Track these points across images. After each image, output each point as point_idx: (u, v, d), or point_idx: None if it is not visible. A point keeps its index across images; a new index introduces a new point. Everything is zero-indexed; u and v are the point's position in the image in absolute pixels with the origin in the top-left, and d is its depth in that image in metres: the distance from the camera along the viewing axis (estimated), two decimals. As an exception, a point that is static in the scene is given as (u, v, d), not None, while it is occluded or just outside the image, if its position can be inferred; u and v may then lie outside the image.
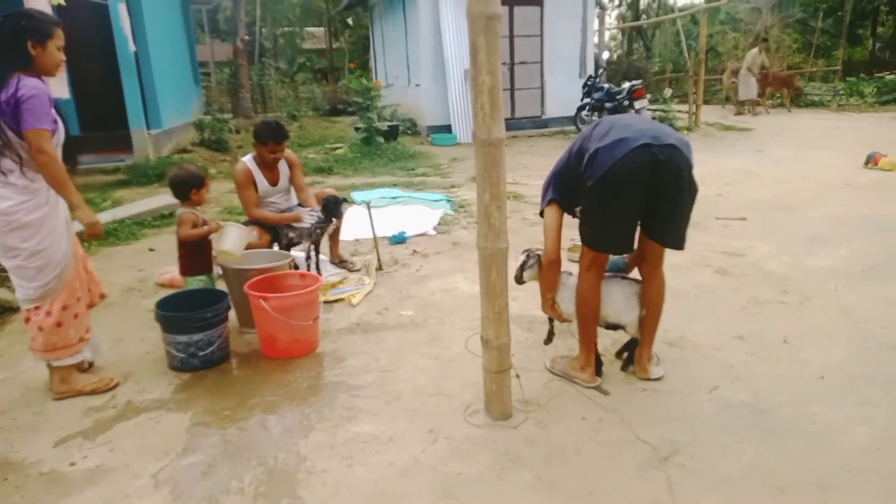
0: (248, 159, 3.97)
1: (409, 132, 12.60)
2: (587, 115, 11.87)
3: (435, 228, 5.48)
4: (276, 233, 4.00)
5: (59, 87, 6.51)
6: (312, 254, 4.02)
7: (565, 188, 2.69)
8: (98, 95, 8.71)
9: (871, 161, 7.64)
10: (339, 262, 4.45)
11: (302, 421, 2.54)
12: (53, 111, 2.56)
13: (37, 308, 2.69)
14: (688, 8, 21.05)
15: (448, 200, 6.48)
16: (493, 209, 2.25)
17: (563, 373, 2.82)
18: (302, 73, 27.57)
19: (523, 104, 12.94)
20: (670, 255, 2.67)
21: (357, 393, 2.76)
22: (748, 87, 14.73)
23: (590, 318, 2.69)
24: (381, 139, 9.93)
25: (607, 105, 11.36)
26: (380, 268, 4.40)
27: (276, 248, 3.97)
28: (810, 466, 2.16)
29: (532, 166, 8.55)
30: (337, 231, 4.40)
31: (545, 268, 2.79)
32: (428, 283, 4.14)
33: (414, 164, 9.24)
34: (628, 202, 2.43)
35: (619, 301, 2.75)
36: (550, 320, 3.02)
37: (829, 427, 2.39)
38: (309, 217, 3.94)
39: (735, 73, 16.13)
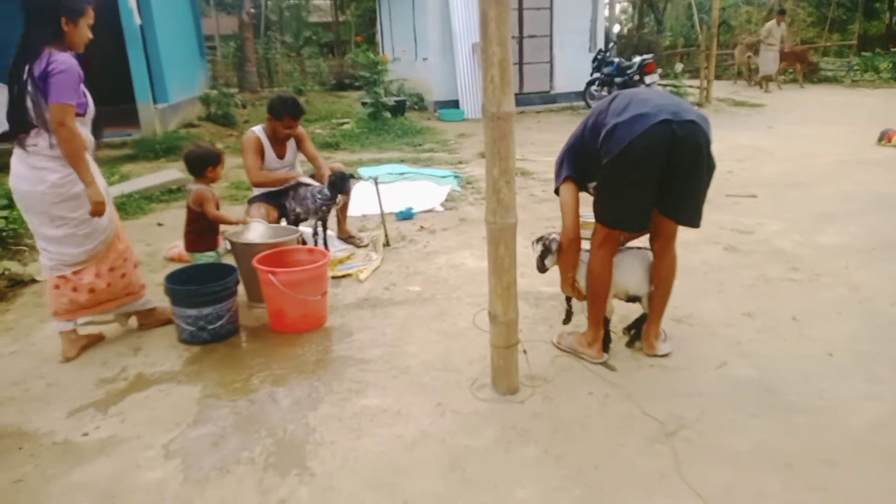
0: (258, 129, 3.99)
1: (416, 107, 12.48)
2: (597, 91, 11.73)
3: (442, 204, 5.46)
4: (284, 208, 4.00)
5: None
6: (320, 229, 4.02)
7: (580, 164, 2.64)
8: (104, 69, 8.63)
9: (885, 137, 7.54)
10: (346, 237, 4.45)
11: (310, 394, 2.56)
12: (82, 87, 2.64)
13: (77, 273, 2.84)
14: (701, -20, 20.60)
15: (455, 176, 6.45)
16: (503, 184, 2.23)
17: (570, 348, 2.82)
18: (308, 46, 27.25)
19: (532, 79, 12.77)
20: (681, 232, 2.64)
21: (365, 367, 2.78)
22: (767, 62, 14.10)
23: (600, 293, 2.67)
24: (387, 114, 9.85)
25: (617, 80, 11.22)
26: (387, 243, 4.40)
27: (283, 223, 3.97)
28: (817, 443, 2.17)
29: (540, 142, 8.48)
30: (345, 207, 4.40)
31: (565, 246, 2.71)
32: (435, 258, 4.14)
33: (421, 139, 9.18)
34: (646, 178, 2.39)
35: (641, 273, 2.72)
36: (568, 299, 2.95)
37: (837, 404, 2.39)
38: (314, 196, 3.91)
39: (750, 47, 15.77)
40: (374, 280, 3.80)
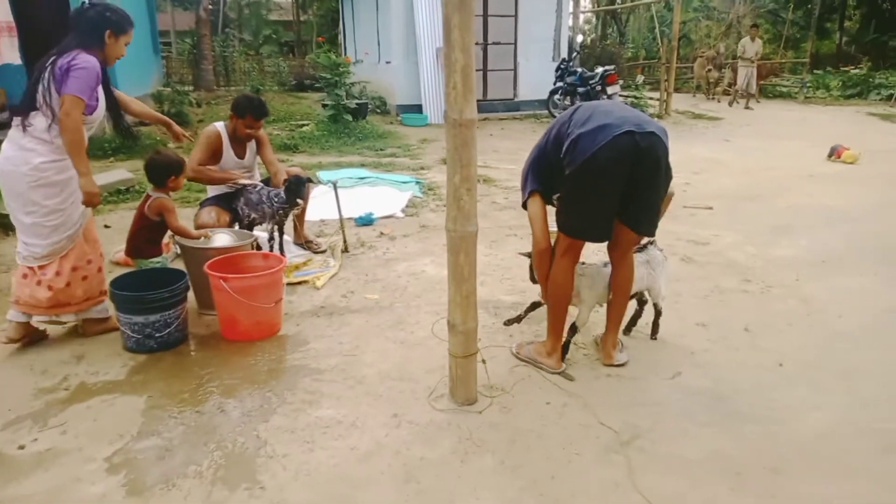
0: (220, 125, 3.90)
1: (378, 111, 12.39)
2: (559, 100, 11.86)
3: (403, 211, 5.42)
4: (237, 212, 3.90)
5: (9, 52, 6.19)
6: (276, 234, 3.93)
7: (544, 176, 2.66)
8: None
9: (835, 154, 7.84)
10: (303, 242, 4.36)
11: (262, 405, 2.49)
12: (100, 89, 2.78)
13: (42, 267, 2.81)
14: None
15: (417, 182, 6.41)
16: (463, 192, 2.21)
17: (529, 358, 2.82)
18: (267, 45, 26.89)
19: (496, 86, 12.85)
20: (637, 243, 2.67)
21: (320, 377, 2.71)
22: (745, 79, 13.93)
23: (561, 303, 2.69)
24: (349, 117, 9.74)
25: (580, 89, 11.36)
26: (346, 250, 4.33)
27: (236, 227, 3.87)
28: (765, 451, 2.21)
29: (503, 150, 8.52)
30: (302, 212, 4.31)
31: (537, 257, 2.75)
32: (394, 266, 4.10)
33: (383, 143, 9.10)
34: (609, 189, 2.41)
35: (639, 270, 2.78)
36: (529, 309, 3.07)
37: (785, 413, 2.44)
38: (270, 200, 3.81)
39: (710, 60, 16.15)
40: (331, 287, 3.73)
